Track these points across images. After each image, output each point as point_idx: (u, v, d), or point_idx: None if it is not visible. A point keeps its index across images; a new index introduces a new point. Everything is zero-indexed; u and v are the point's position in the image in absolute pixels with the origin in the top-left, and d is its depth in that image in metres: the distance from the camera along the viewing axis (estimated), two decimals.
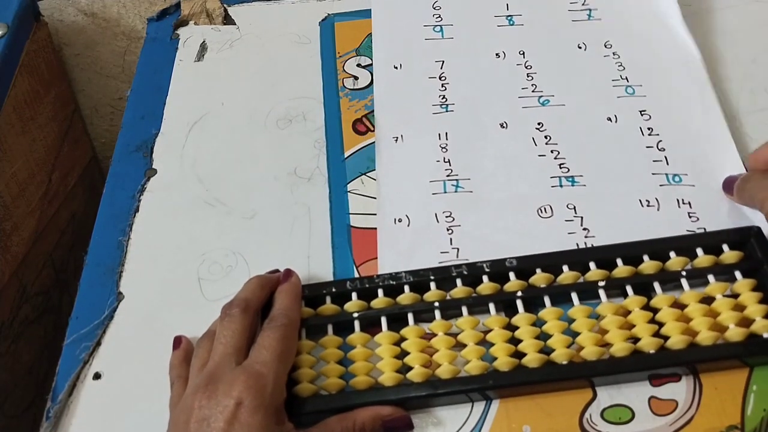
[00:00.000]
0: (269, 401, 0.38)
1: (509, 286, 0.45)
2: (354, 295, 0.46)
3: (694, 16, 0.62)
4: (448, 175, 0.53)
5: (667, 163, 0.52)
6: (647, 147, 0.53)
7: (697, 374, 0.42)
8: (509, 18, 0.64)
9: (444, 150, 0.55)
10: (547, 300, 0.44)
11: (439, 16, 0.65)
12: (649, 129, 0.54)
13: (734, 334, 0.42)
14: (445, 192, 0.52)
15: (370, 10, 0.67)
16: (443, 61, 0.61)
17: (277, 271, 0.47)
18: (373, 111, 0.59)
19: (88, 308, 0.49)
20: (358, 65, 0.63)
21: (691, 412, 0.41)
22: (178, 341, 0.45)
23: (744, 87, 0.58)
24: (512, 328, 0.43)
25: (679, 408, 0.41)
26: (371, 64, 0.63)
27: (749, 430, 0.40)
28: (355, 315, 0.45)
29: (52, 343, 0.75)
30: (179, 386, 0.42)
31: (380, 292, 0.45)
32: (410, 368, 0.42)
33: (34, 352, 0.73)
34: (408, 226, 0.51)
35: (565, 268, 0.45)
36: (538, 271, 0.45)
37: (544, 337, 0.43)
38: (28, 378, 0.72)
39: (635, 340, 0.42)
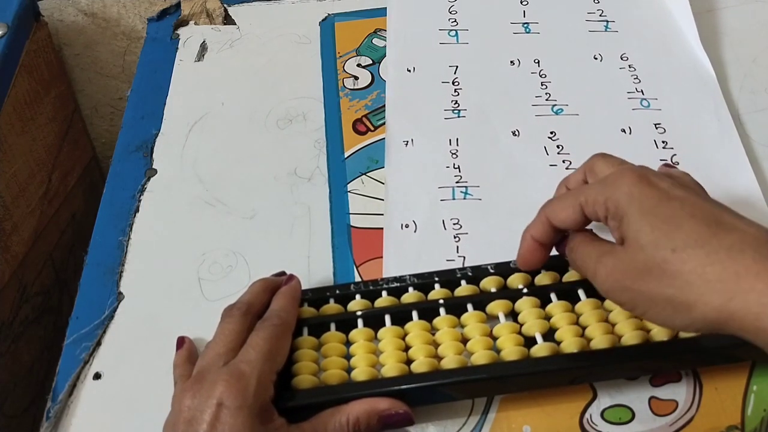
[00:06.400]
0: (252, 401, 0.37)
1: (513, 282, 0.45)
2: (358, 296, 0.45)
3: (695, 17, 0.61)
4: (457, 182, 0.53)
5: None
6: (661, 160, 0.53)
7: (697, 374, 0.42)
8: (525, 25, 0.63)
9: (454, 156, 0.54)
10: (553, 296, 0.44)
11: (455, 21, 0.64)
12: (663, 142, 0.54)
13: None
14: (454, 199, 0.52)
15: (371, 10, 0.67)
16: (457, 66, 0.61)
17: (283, 273, 0.47)
18: (373, 111, 0.59)
19: (88, 308, 0.49)
20: (359, 65, 0.63)
21: (691, 412, 0.41)
22: (181, 341, 0.45)
23: (744, 87, 0.58)
24: (520, 325, 0.43)
25: (680, 408, 0.41)
26: (371, 64, 0.63)
27: (749, 430, 0.40)
28: (359, 313, 0.44)
29: (52, 343, 0.75)
30: (181, 385, 0.42)
31: (384, 293, 0.45)
32: (413, 362, 0.42)
33: (34, 352, 0.73)
34: (414, 232, 0.50)
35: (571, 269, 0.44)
36: (543, 271, 0.45)
37: (552, 329, 0.42)
38: (28, 378, 0.72)
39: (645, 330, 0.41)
